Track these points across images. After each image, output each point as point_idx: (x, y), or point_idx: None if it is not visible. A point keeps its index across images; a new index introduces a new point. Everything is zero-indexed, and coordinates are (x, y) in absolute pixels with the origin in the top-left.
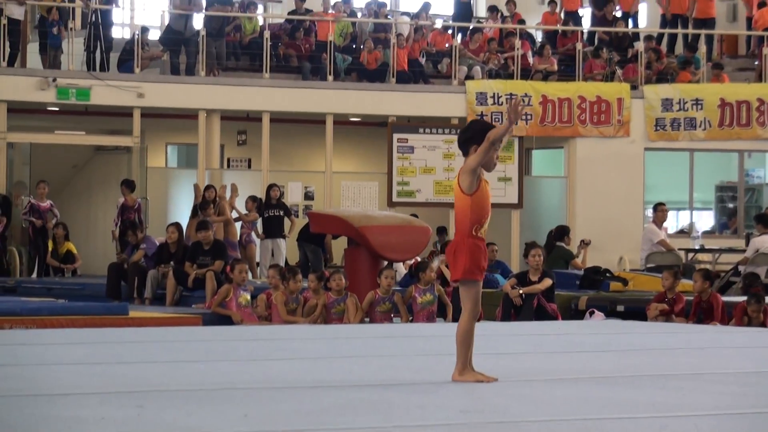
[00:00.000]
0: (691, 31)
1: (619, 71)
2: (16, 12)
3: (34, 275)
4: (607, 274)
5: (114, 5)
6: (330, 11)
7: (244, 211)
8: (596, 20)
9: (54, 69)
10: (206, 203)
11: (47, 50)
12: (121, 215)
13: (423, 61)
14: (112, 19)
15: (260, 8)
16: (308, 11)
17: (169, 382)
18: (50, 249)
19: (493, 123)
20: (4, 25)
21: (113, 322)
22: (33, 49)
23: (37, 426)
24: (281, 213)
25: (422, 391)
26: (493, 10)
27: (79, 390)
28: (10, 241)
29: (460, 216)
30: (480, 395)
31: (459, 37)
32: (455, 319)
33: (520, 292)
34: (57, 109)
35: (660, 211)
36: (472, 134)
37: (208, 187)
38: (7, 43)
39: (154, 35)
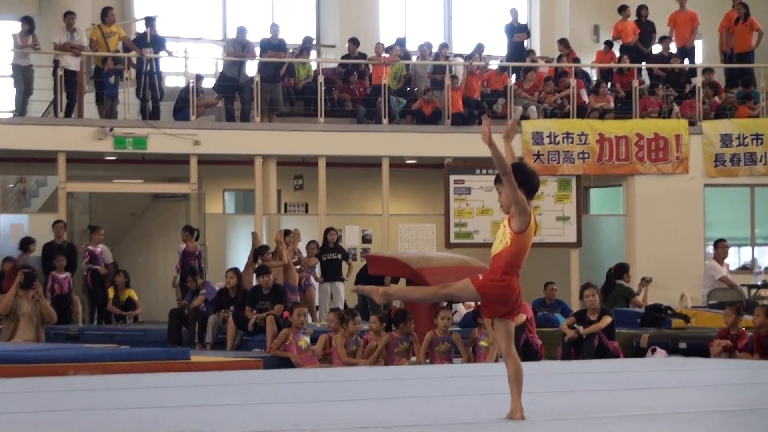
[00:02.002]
0: (751, 65)
1: (676, 107)
2: (72, 63)
3: (95, 322)
4: (669, 312)
5: (168, 54)
6: (384, 55)
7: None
8: (646, 56)
9: (110, 119)
10: (264, 248)
11: (103, 100)
12: (182, 261)
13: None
14: (161, 69)
15: (313, 53)
16: (362, 55)
17: (232, 425)
18: (111, 296)
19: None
20: (60, 76)
21: (175, 367)
22: (89, 99)
23: None
24: (339, 256)
25: (482, 430)
26: (530, 53)
27: None
28: (76, 290)
29: (501, 254)
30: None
31: (513, 77)
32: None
33: (581, 332)
34: (115, 158)
35: (721, 247)
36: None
37: (287, 232)
38: (64, 94)
39: (208, 83)
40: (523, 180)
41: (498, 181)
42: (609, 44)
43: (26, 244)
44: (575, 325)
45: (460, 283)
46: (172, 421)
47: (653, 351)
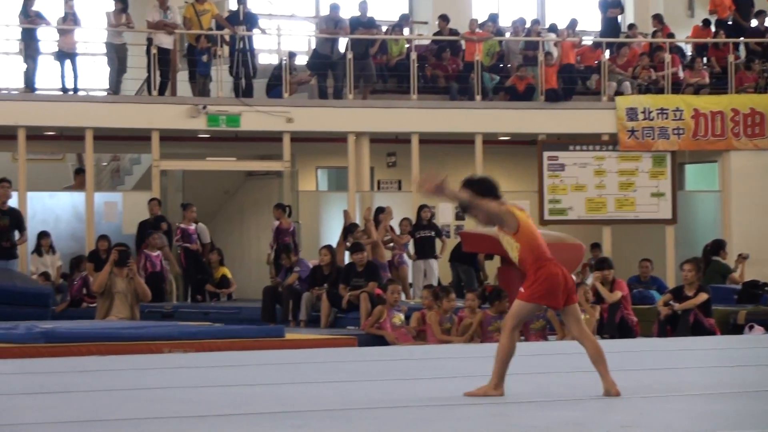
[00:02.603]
0: None
1: None
2: (166, 41)
3: (189, 300)
4: (766, 288)
5: (261, 32)
6: (477, 31)
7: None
8: (743, 31)
9: (203, 96)
10: (354, 226)
11: (196, 78)
12: (276, 239)
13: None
14: (254, 46)
15: (406, 30)
16: (454, 32)
17: (327, 402)
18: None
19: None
20: (154, 54)
21: (270, 344)
22: (183, 77)
23: None
24: (432, 234)
25: (579, 407)
26: (631, 27)
27: (238, 411)
28: (171, 268)
29: (522, 257)
30: (640, 410)
31: (607, 52)
32: (607, 337)
33: (677, 309)
34: (208, 135)
35: None
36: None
37: (380, 210)
38: (158, 73)
39: (301, 60)
40: (483, 189)
41: (465, 210)
42: (707, 22)
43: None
44: (671, 302)
45: (514, 308)
46: (267, 399)
47: (750, 328)
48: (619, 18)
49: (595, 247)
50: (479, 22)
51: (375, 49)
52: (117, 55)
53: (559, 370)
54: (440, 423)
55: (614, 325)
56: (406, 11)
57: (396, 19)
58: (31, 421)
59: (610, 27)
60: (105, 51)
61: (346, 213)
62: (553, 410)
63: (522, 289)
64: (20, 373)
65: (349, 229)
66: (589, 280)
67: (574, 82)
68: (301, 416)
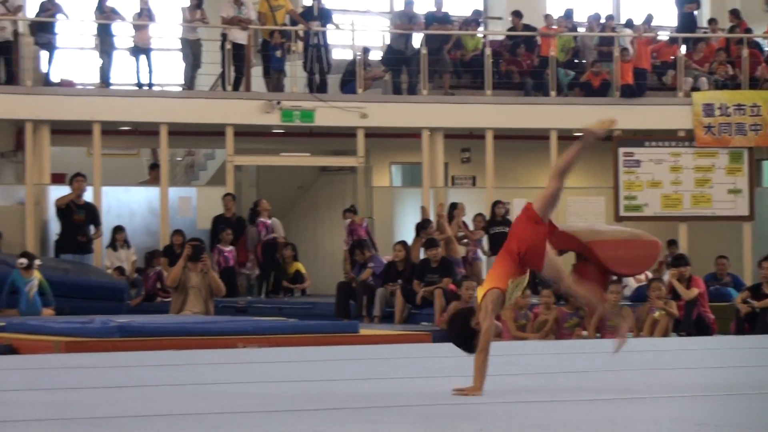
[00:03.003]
0: None
1: None
2: (240, 37)
3: (263, 296)
4: None
5: (335, 27)
6: (552, 26)
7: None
8: None
9: (277, 92)
10: (427, 222)
11: (271, 73)
12: (350, 234)
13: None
14: (328, 42)
15: (481, 26)
16: (529, 27)
17: (401, 398)
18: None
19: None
20: (228, 50)
21: (344, 340)
22: (257, 72)
23: None
24: (507, 229)
25: (656, 404)
26: (712, 21)
27: (313, 406)
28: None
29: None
30: (715, 408)
31: (683, 48)
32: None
33: (755, 306)
34: (282, 131)
35: None
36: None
37: (453, 206)
38: (232, 68)
39: (375, 55)
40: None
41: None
42: None
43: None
44: (749, 300)
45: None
46: (342, 394)
47: None
48: (695, 13)
49: (672, 244)
50: (554, 17)
51: (450, 45)
52: (191, 51)
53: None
54: (518, 419)
55: (691, 322)
56: (481, 7)
57: (471, 14)
58: (108, 414)
59: (687, 22)
60: (179, 46)
61: (423, 209)
62: (630, 406)
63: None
64: (96, 366)
65: (422, 224)
66: (666, 277)
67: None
68: (375, 412)
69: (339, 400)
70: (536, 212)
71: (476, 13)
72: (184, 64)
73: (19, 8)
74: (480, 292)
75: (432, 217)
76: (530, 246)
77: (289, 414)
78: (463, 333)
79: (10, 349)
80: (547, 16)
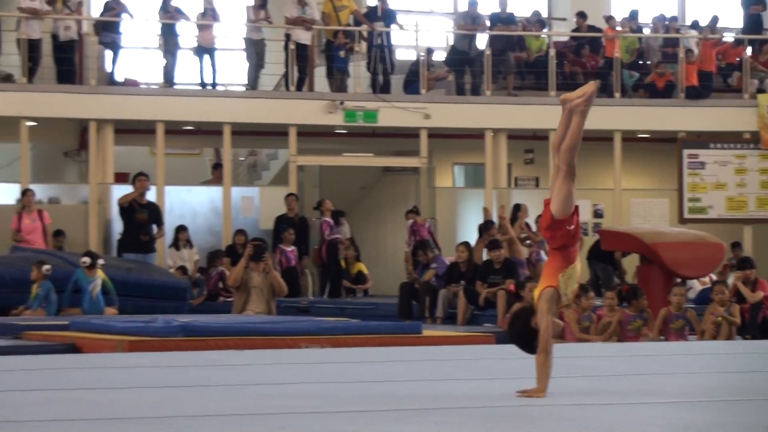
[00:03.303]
0: None
1: None
2: (304, 37)
3: (326, 296)
4: None
5: (399, 28)
6: (616, 28)
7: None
8: None
9: (341, 92)
10: (489, 223)
11: (334, 74)
12: (413, 235)
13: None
14: (392, 42)
15: (545, 27)
16: (593, 28)
17: (465, 399)
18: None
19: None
20: (292, 50)
21: (407, 341)
22: (320, 73)
23: None
24: None
25: (719, 408)
26: None
27: (376, 407)
28: (307, 263)
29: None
30: None
31: (749, 49)
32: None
33: None
34: (345, 131)
35: None
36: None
37: (516, 207)
38: (295, 68)
39: (439, 56)
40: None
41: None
42: None
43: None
44: None
45: None
46: (405, 395)
47: None
48: (761, 14)
49: (736, 246)
50: (618, 18)
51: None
52: (255, 51)
53: (700, 370)
54: (580, 421)
55: (756, 325)
56: (545, 7)
57: (531, 14)
58: (170, 414)
59: (753, 24)
60: (243, 46)
61: (485, 210)
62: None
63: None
64: (159, 366)
65: (484, 226)
66: (730, 280)
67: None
68: (438, 413)
69: (402, 401)
70: (551, 216)
71: (536, 13)
72: (247, 64)
73: (80, 5)
74: (536, 293)
75: (494, 218)
76: (561, 241)
77: (351, 415)
78: (523, 333)
79: (73, 348)
80: (610, 18)
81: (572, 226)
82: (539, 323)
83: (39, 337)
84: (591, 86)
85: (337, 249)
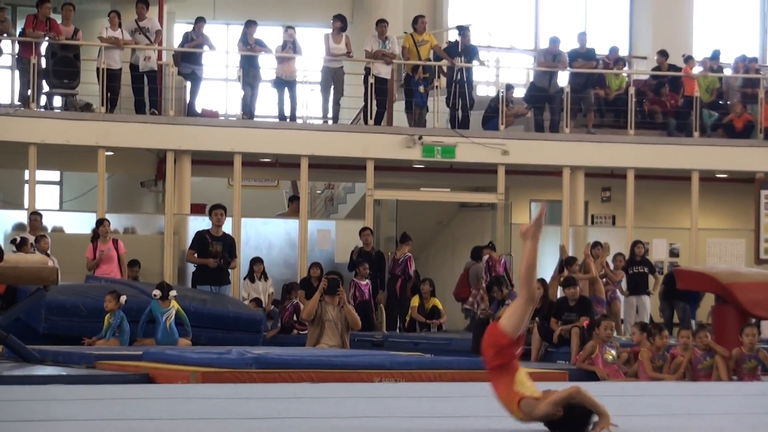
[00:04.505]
0: None
1: None
2: (384, 71)
3: (398, 330)
4: None
5: (480, 63)
6: (695, 67)
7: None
8: None
9: (419, 127)
10: (571, 260)
11: (413, 108)
12: (488, 271)
13: None
14: (472, 78)
15: (626, 65)
16: (673, 67)
17: None
18: (416, 304)
19: None
20: (371, 83)
21: (481, 376)
22: (399, 107)
23: None
24: (646, 270)
25: None
26: None
27: None
28: (382, 297)
29: None
30: None
31: None
32: None
33: None
34: (422, 166)
35: None
36: None
37: (596, 245)
38: (374, 102)
39: (518, 92)
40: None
41: None
42: None
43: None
44: None
45: None
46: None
47: None
48: None
49: None
50: (700, 57)
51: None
52: (334, 78)
53: None
54: None
55: None
56: (626, 45)
57: (609, 51)
58: None
59: None
60: (321, 77)
61: (562, 247)
62: None
63: None
64: (234, 398)
65: (566, 262)
66: None
67: None
68: None
69: None
70: (503, 336)
71: (613, 49)
72: (325, 96)
73: (159, 33)
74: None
75: (571, 254)
76: (501, 360)
77: None
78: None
79: (147, 378)
80: (689, 58)
81: (518, 351)
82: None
83: (113, 367)
84: (540, 209)
85: (407, 284)
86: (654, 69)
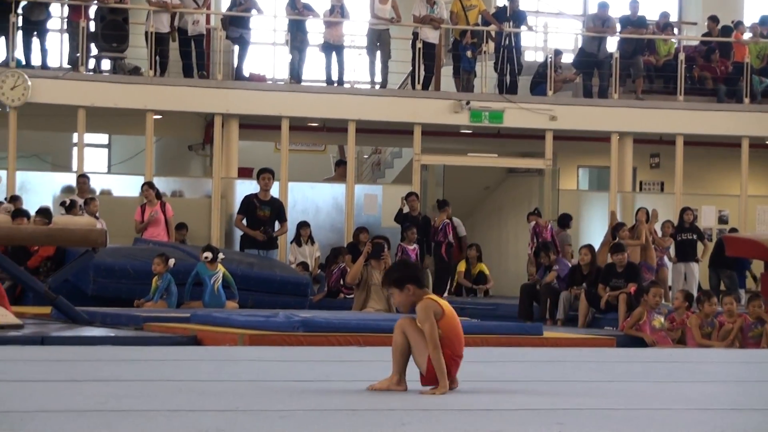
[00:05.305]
0: None
1: None
2: (431, 36)
3: (445, 295)
4: None
5: (528, 29)
6: (745, 32)
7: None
8: None
9: (467, 92)
10: (619, 226)
11: (460, 73)
12: (536, 237)
13: None
14: (521, 43)
15: (675, 30)
16: (724, 31)
17: (586, 401)
18: (463, 269)
19: None
20: (419, 48)
21: (527, 341)
22: (447, 72)
23: None
24: (694, 237)
25: None
26: None
27: (497, 406)
28: (429, 262)
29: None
30: None
31: None
32: None
33: None
34: (470, 131)
35: None
36: (404, 276)
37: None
38: (422, 67)
39: (567, 58)
40: (410, 275)
41: (386, 283)
42: None
43: (565, 220)
44: None
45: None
46: (526, 395)
47: None
48: None
49: None
50: (749, 24)
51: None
52: (380, 40)
53: None
54: (702, 426)
55: None
56: (676, 11)
57: (659, 17)
58: (292, 408)
59: None
60: (369, 41)
61: (612, 213)
62: None
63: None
64: (281, 360)
65: (615, 228)
66: None
67: None
68: (559, 414)
69: (523, 401)
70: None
71: (664, 15)
72: (371, 58)
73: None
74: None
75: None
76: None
77: (473, 413)
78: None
79: (194, 340)
80: (739, 23)
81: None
82: (422, 325)
83: (161, 329)
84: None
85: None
86: (704, 35)
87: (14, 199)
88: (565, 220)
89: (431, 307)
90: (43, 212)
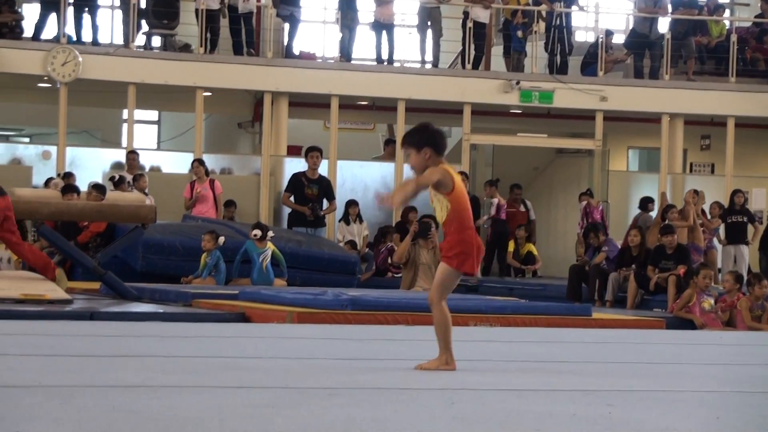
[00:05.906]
0: None
1: None
2: (482, 15)
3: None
4: None
5: (579, 9)
6: None
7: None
8: None
9: (517, 72)
10: (669, 207)
11: (511, 53)
12: (585, 217)
13: None
14: (571, 23)
15: (727, 12)
16: None
17: (635, 383)
18: (512, 249)
19: None
20: (470, 28)
21: (576, 322)
22: (497, 52)
23: (507, 419)
24: (745, 219)
25: None
26: None
27: (546, 386)
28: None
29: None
30: None
31: None
32: None
33: None
34: (519, 111)
35: None
36: (423, 138)
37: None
38: (473, 46)
39: (618, 38)
40: (429, 139)
41: (405, 143)
42: None
43: (645, 203)
44: None
45: (439, 276)
46: (574, 376)
47: None
48: None
49: None
50: None
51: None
52: (430, 17)
53: None
54: (757, 409)
55: None
56: None
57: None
58: (339, 385)
59: None
60: (420, 20)
61: (663, 195)
62: None
63: (445, 255)
64: (329, 338)
65: (665, 210)
66: None
67: None
68: (609, 396)
69: (572, 382)
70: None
71: None
72: (423, 37)
73: None
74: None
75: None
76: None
77: (521, 393)
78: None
79: (243, 317)
80: None
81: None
82: (423, 175)
83: (209, 306)
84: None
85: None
86: (757, 16)
87: (68, 175)
88: (645, 203)
89: (441, 172)
90: (99, 187)
